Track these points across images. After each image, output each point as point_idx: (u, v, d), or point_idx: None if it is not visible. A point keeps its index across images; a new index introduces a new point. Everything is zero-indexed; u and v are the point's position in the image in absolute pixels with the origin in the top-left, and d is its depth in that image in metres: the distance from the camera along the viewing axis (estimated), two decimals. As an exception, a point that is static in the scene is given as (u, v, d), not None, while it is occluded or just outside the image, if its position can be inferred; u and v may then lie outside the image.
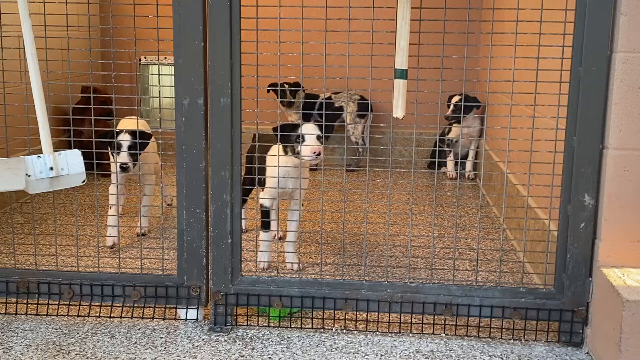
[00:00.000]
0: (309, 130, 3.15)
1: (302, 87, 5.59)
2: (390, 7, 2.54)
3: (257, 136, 2.91)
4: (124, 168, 3.49)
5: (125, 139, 3.51)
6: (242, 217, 3.80)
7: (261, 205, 3.38)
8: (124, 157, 3.49)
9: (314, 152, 3.10)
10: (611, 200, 2.51)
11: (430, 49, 2.55)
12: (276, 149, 3.21)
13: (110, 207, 3.71)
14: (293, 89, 5.72)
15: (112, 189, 3.70)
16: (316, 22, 2.54)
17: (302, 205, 3.40)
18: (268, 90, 5.54)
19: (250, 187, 3.72)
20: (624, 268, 2.53)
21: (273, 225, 3.57)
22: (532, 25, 2.53)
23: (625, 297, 2.30)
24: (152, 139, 3.72)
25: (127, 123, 3.91)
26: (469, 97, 5.42)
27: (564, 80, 2.52)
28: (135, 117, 3.68)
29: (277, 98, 5.50)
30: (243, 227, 3.80)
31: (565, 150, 2.56)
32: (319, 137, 3.15)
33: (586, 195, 2.54)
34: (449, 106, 5.53)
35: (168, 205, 4.46)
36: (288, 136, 3.15)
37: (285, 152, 3.22)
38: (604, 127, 2.50)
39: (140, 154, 3.39)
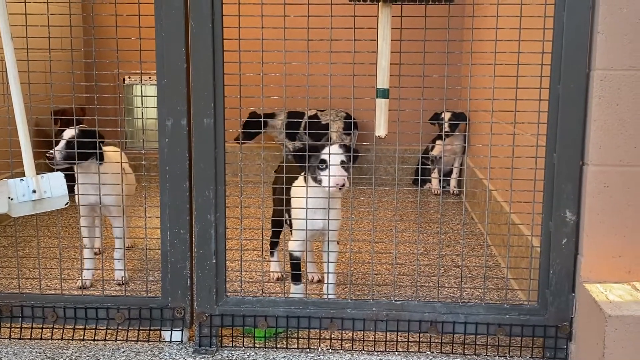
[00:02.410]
0: (333, 155, 2.81)
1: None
2: (371, 28, 2.57)
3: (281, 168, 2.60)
4: (50, 159, 3.12)
5: (69, 133, 3.18)
6: (275, 259, 3.58)
7: (290, 255, 3.07)
8: (59, 147, 3.15)
9: (337, 184, 2.79)
10: (592, 216, 2.54)
11: (411, 69, 2.58)
12: (299, 183, 2.94)
13: (85, 246, 3.40)
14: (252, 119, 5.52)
15: (83, 222, 3.36)
16: (299, 42, 2.56)
17: (337, 243, 3.11)
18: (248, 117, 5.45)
19: (279, 228, 3.45)
20: (606, 283, 2.55)
21: (308, 265, 3.17)
22: (512, 44, 2.57)
23: (607, 312, 2.32)
24: (116, 156, 3.31)
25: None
26: (457, 113, 5.48)
27: (543, 98, 2.56)
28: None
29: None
30: (279, 274, 3.54)
31: (546, 167, 2.58)
32: (343, 163, 2.84)
33: (567, 212, 2.56)
34: (433, 124, 5.57)
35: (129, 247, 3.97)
36: (309, 161, 2.82)
37: (306, 181, 2.91)
38: (583, 144, 2.53)
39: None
